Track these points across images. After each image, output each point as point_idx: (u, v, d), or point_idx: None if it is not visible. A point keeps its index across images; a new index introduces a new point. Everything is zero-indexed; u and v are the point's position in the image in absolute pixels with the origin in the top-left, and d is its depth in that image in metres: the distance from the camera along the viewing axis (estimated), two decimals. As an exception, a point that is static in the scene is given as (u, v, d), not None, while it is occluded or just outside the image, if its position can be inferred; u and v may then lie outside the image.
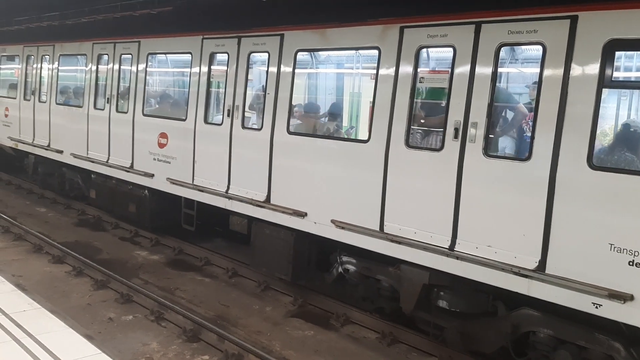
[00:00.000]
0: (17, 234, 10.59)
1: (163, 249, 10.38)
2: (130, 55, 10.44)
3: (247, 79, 8.24)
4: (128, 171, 10.37)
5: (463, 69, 5.80)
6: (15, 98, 14.03)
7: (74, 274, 8.81)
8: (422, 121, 6.57)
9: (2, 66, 15.11)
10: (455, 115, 5.83)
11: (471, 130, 5.70)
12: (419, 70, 6.26)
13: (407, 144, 6.27)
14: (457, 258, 5.78)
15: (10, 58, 14.64)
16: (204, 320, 7.07)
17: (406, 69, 6.30)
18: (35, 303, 4.82)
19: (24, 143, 13.62)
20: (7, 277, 5.60)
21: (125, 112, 10.43)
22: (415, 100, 6.32)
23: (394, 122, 6.36)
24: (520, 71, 6.80)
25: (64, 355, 4.12)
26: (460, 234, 5.79)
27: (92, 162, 11.23)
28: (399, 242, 6.28)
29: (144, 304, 7.68)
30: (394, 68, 6.40)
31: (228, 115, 8.40)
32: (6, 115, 14.39)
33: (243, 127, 8.22)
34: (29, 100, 13.40)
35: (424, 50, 6.35)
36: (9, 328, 4.42)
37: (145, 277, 8.93)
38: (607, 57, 4.88)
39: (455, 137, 5.81)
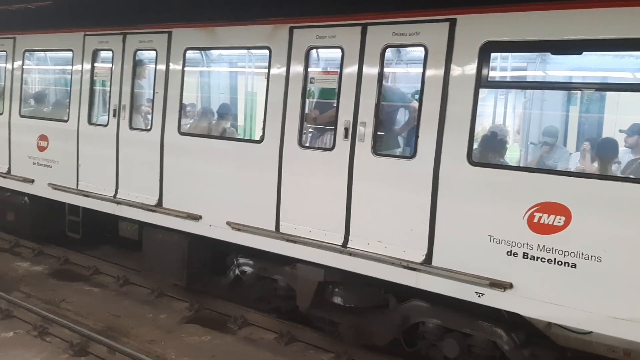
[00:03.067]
0: None
1: (47, 259, 9.76)
2: (4, 53, 9.69)
3: (133, 78, 7.92)
4: (5, 177, 9.63)
5: (351, 70, 5.91)
6: None
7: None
8: (314, 121, 6.64)
9: None
10: (345, 115, 5.94)
11: (360, 130, 5.83)
12: (309, 70, 6.31)
13: (300, 143, 6.30)
14: (350, 254, 5.90)
15: None
16: (93, 332, 6.74)
17: (297, 69, 6.33)
18: None
19: None
20: None
21: (0, 113, 9.68)
22: (307, 100, 6.38)
23: (286, 122, 6.37)
24: (406, 71, 7.07)
25: None
26: (353, 231, 5.91)
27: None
28: (295, 242, 6.31)
29: (25, 319, 7.22)
30: (285, 68, 6.41)
31: (114, 116, 8.03)
32: None
33: (131, 127, 7.89)
34: None
35: (314, 50, 6.41)
36: None
37: (27, 290, 8.35)
38: (483, 59, 5.17)
39: (346, 136, 5.92)
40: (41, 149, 9.08)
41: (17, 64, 9.52)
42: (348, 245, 5.93)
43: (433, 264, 5.42)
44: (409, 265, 5.52)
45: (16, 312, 7.38)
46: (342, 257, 5.98)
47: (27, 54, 9.53)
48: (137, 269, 8.72)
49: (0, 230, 10.62)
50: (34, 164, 9.19)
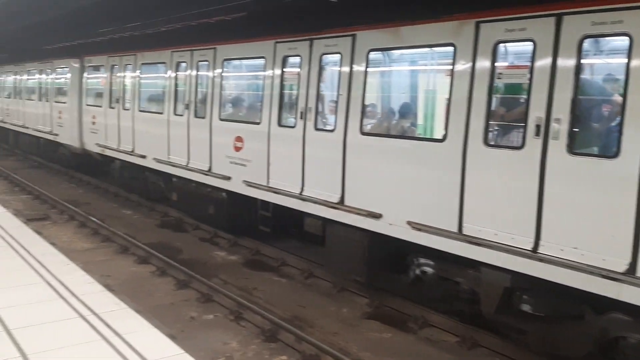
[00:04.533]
0: (105, 235, 11.14)
1: (240, 249, 10.60)
2: (206, 62, 10.74)
3: (319, 81, 8.28)
4: (206, 174, 10.67)
5: (544, 63, 5.54)
6: (101, 106, 14.80)
7: (157, 273, 9.16)
8: (501, 118, 6.35)
9: (88, 76, 15.97)
10: (536, 111, 5.59)
11: (554, 126, 5.44)
12: (496, 65, 6.05)
13: (486, 142, 6.07)
14: (541, 260, 5.53)
15: (96, 68, 15.45)
16: (282, 320, 7.15)
17: (483, 64, 6.10)
18: (122, 303, 5.04)
19: (109, 149, 14.33)
20: (96, 277, 5.90)
21: (203, 117, 10.75)
22: (493, 96, 6.12)
23: (471, 121, 6.18)
24: (606, 63, 6.43)
25: (149, 354, 4.28)
26: (544, 236, 5.54)
27: (173, 166, 11.65)
28: (479, 244, 6.09)
29: (223, 304, 7.87)
30: (470, 64, 6.22)
31: (301, 118, 8.46)
32: (93, 123, 15.21)
33: (316, 128, 8.26)
34: (114, 108, 14.08)
35: (502, 45, 6.12)
36: (99, 327, 4.64)
37: (225, 277, 9.14)
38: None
39: (537, 134, 5.57)
40: (237, 149, 9.90)
41: (217, 72, 10.49)
42: (538, 251, 5.56)
43: (638, 274, 4.86)
44: (609, 275, 5.01)
45: (215, 297, 8.09)
46: (531, 263, 5.63)
47: (225, 62, 10.45)
48: (320, 263, 9.11)
49: (202, 222, 11.78)
50: (230, 162, 10.06)
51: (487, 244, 6.02)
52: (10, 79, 22.49)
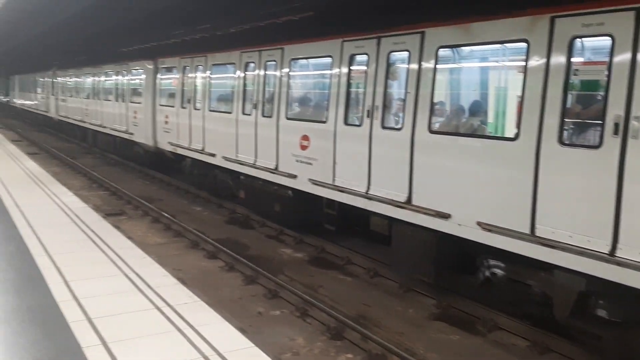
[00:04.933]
0: (177, 230, 11.52)
1: (306, 247, 10.71)
2: (274, 62, 10.91)
3: (386, 79, 8.24)
4: (273, 173, 10.84)
5: (623, 59, 5.29)
6: (173, 106, 15.31)
7: (226, 269, 9.39)
8: (577, 116, 6.12)
9: (161, 77, 16.55)
10: (615, 109, 5.35)
11: (634, 124, 5.19)
12: (572, 61, 5.84)
13: (561, 141, 5.87)
14: (619, 264, 5.29)
15: (169, 69, 16.00)
16: (347, 319, 7.17)
17: (558, 60, 5.90)
18: (194, 296, 5.21)
19: (181, 147, 14.81)
20: (170, 271, 6.12)
21: (270, 117, 10.92)
22: (569, 93, 5.91)
23: (545, 119, 5.99)
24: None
25: (220, 346, 4.41)
26: (622, 239, 5.29)
27: (241, 164, 11.91)
28: (552, 247, 5.90)
29: (289, 300, 7.97)
30: (545, 60, 6.02)
31: (368, 116, 8.45)
32: (166, 122, 15.76)
33: (383, 127, 8.22)
34: (185, 108, 14.55)
35: (578, 40, 5.89)
36: (173, 319, 4.82)
37: (290, 274, 9.26)
38: None
39: (615, 132, 5.33)
40: (303, 147, 10.00)
41: (285, 71, 10.64)
42: (616, 254, 5.32)
43: None
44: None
45: (282, 293, 8.21)
46: (608, 267, 5.39)
47: (292, 62, 10.58)
48: (386, 263, 9.07)
49: (268, 219, 11.98)
50: (296, 161, 10.18)
51: (561, 246, 5.82)
52: (88, 80, 23.58)
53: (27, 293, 5.28)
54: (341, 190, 9.02)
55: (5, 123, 22.03)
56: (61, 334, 4.54)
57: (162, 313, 4.82)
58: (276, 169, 10.75)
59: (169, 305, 4.96)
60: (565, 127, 5.96)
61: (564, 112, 5.89)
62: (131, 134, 18.32)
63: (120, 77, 19.54)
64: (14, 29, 24.51)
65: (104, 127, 21.19)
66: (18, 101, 39.76)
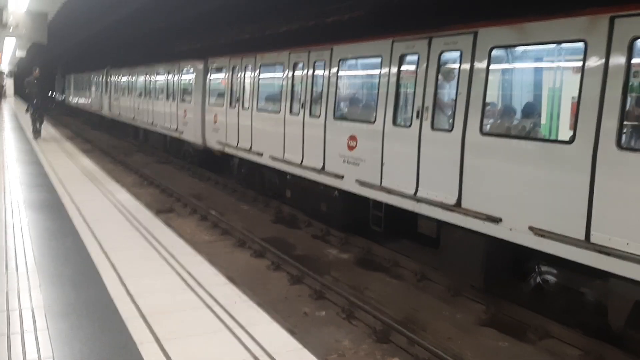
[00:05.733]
0: (224, 229, 11.69)
1: (352, 248, 10.68)
2: (323, 62, 10.92)
3: (437, 80, 8.13)
4: (320, 173, 10.86)
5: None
6: (222, 106, 15.54)
7: (272, 268, 9.47)
8: (637, 119, 5.90)
9: (211, 77, 16.82)
10: (679, 112, 5.13)
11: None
12: (632, 62, 5.62)
13: (619, 144, 5.66)
14: (680, 275, 5.08)
15: (219, 69, 16.24)
16: (394, 322, 7.12)
17: (617, 62, 5.70)
18: (244, 296, 5.27)
19: (229, 146, 15.02)
20: (220, 269, 6.22)
21: (318, 117, 10.94)
22: (628, 96, 5.70)
23: (602, 122, 5.79)
24: None
25: (270, 347, 4.44)
26: (685, 248, 5.08)
27: (288, 163, 11.98)
28: (608, 254, 5.70)
29: (335, 301, 7.96)
30: (603, 62, 5.82)
31: (417, 117, 8.36)
32: (215, 122, 16.01)
33: (433, 128, 8.12)
34: (234, 107, 14.74)
35: (639, 41, 5.67)
36: (224, 318, 4.89)
37: (336, 275, 9.26)
38: None
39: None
40: (350, 148, 9.98)
41: (333, 71, 10.63)
42: (678, 264, 5.11)
43: None
44: None
45: (328, 294, 8.20)
46: (669, 277, 5.19)
47: (341, 62, 10.57)
48: (434, 266, 8.95)
49: (314, 218, 12.02)
50: (343, 161, 10.16)
51: (618, 254, 5.62)
52: (140, 79, 24.15)
53: (84, 288, 5.45)
54: (388, 191, 8.96)
55: (61, 121, 22.94)
56: (116, 329, 4.67)
57: (213, 312, 4.90)
58: (323, 169, 10.77)
59: (219, 304, 5.04)
60: (624, 130, 5.76)
61: (623, 115, 5.69)
62: (181, 132, 18.70)
63: (171, 77, 19.95)
64: (69, 31, 25.44)
65: (155, 125, 21.69)
66: (73, 99, 41.14)
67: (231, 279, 6.03)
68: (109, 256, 6.36)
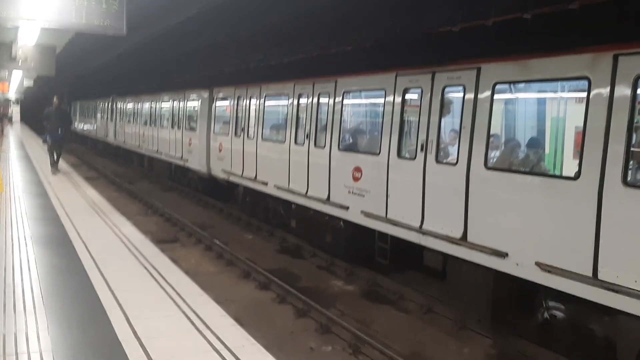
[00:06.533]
0: (229, 259, 11.68)
1: (357, 279, 10.62)
2: (327, 93, 11.02)
3: (440, 114, 8.19)
4: (325, 203, 10.88)
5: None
6: (227, 135, 15.64)
7: (277, 300, 9.43)
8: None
9: (216, 106, 16.95)
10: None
11: None
12: (638, 101, 5.67)
13: (625, 181, 5.68)
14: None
15: (224, 98, 16.39)
16: (401, 357, 7.07)
17: (622, 99, 5.75)
18: (251, 338, 5.25)
19: (234, 175, 15.08)
20: (226, 309, 6.21)
21: (323, 147, 11.00)
22: (633, 134, 5.74)
23: (608, 159, 5.82)
24: None
25: (279, 391, 4.41)
26: (694, 287, 5.06)
27: (293, 193, 12.01)
28: (616, 291, 5.68)
29: (341, 335, 7.91)
30: (607, 99, 5.88)
31: (421, 150, 8.41)
32: (220, 150, 16.10)
33: (437, 161, 8.16)
34: (239, 136, 14.83)
35: (643, 78, 5.73)
36: (232, 362, 4.88)
37: (342, 308, 9.21)
38: None
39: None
40: (355, 179, 10.02)
41: (337, 103, 10.72)
42: (687, 303, 5.09)
43: None
44: None
45: (334, 328, 8.14)
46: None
47: (345, 94, 10.66)
48: (440, 298, 8.91)
49: (319, 249, 12.00)
50: (348, 192, 10.19)
51: (626, 291, 5.60)
52: (146, 107, 24.36)
53: (92, 329, 5.43)
54: (394, 223, 8.96)
55: (66, 147, 23.04)
56: (124, 373, 4.66)
57: (221, 356, 4.87)
58: (328, 199, 10.79)
59: (227, 347, 5.01)
60: (630, 167, 5.78)
61: (628, 152, 5.71)
62: (186, 160, 18.80)
63: (176, 105, 20.12)
64: (76, 62, 25.77)
65: (160, 153, 21.81)
66: (78, 126, 41.45)
67: (238, 320, 6.01)
68: (115, 295, 6.35)
